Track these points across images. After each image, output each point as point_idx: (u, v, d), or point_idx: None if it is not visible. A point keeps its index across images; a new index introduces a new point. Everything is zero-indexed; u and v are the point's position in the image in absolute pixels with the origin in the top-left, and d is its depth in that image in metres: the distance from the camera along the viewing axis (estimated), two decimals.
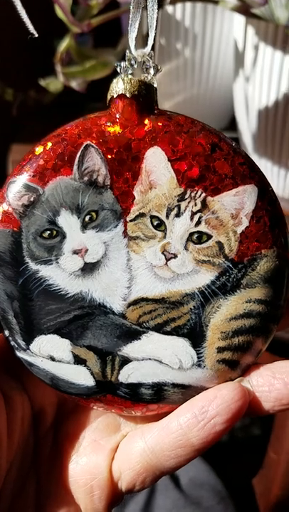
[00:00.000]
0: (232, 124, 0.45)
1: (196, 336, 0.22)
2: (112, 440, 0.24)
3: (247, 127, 0.37)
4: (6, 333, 0.23)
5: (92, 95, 0.38)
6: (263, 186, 0.22)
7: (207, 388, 0.22)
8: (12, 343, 0.23)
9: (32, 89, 0.45)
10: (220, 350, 0.22)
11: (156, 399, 0.22)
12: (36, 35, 0.22)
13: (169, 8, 0.34)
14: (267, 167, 0.38)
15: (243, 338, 0.22)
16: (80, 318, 0.22)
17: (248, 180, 0.21)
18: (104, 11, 0.32)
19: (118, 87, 0.22)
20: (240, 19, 0.33)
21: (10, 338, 0.23)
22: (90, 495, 0.23)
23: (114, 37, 0.38)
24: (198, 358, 0.22)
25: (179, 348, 0.22)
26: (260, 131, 0.36)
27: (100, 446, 0.24)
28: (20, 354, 0.23)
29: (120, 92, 0.22)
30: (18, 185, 0.23)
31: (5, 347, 0.24)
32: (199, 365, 0.22)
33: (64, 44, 0.34)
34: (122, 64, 0.23)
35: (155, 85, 0.23)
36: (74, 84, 0.36)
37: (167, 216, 0.21)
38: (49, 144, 0.22)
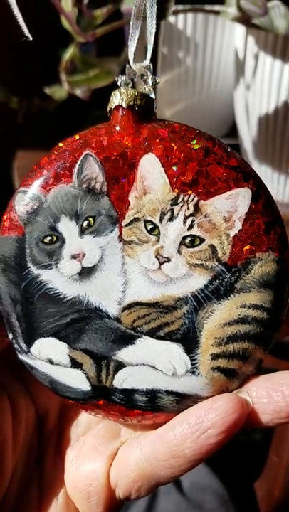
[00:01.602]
0: (232, 131, 0.45)
1: (189, 341, 0.21)
2: (111, 446, 0.24)
3: (247, 134, 0.37)
4: (10, 336, 0.24)
5: (95, 103, 0.39)
6: (257, 189, 0.21)
7: (202, 397, 0.21)
8: (15, 345, 0.24)
9: (36, 97, 0.47)
10: (214, 357, 0.21)
11: (151, 407, 0.22)
12: (31, 38, 0.24)
13: (171, 19, 0.35)
14: (267, 173, 0.37)
15: (239, 345, 0.21)
16: (77, 322, 0.23)
17: (241, 184, 0.21)
18: (107, 21, 0.33)
19: (116, 98, 0.23)
20: (240, 29, 0.33)
21: (13, 341, 0.24)
22: (87, 500, 0.23)
23: (118, 46, 0.40)
24: (192, 364, 0.21)
25: (172, 354, 0.21)
26: (260, 138, 0.35)
27: (99, 452, 0.24)
28: (22, 357, 0.24)
29: (117, 103, 0.23)
30: (23, 194, 0.24)
31: (11, 350, 0.25)
32: (193, 373, 0.21)
33: (68, 53, 0.36)
34: (122, 77, 0.24)
35: (152, 96, 0.23)
36: (78, 92, 0.37)
37: (161, 220, 0.22)
38: (53, 156, 0.24)
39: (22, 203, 0.24)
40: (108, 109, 0.24)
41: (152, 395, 0.22)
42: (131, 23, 0.23)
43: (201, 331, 0.21)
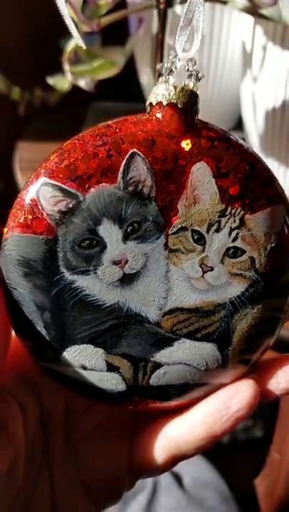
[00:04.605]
0: (239, 125, 0.45)
1: (223, 341, 0.24)
2: (128, 434, 0.25)
3: (254, 128, 0.38)
4: (31, 344, 0.22)
5: (97, 94, 0.36)
6: (287, 206, 0.24)
7: (225, 384, 0.24)
8: (37, 353, 0.22)
9: (38, 88, 0.41)
10: (241, 352, 0.24)
11: (181, 397, 0.24)
12: (84, 48, 0.20)
13: (177, 8, 0.32)
14: (273, 167, 0.39)
15: (261, 341, 0.24)
16: (116, 328, 0.22)
17: (278, 201, 0.23)
18: (111, 11, 0.30)
19: (168, 94, 0.21)
20: (248, 20, 0.33)
21: (35, 349, 0.22)
22: (110, 487, 0.25)
23: (122, 36, 0.36)
24: (222, 359, 0.24)
25: (207, 352, 0.24)
26: (267, 132, 0.37)
27: (119, 440, 0.25)
28: (45, 364, 0.22)
29: (172, 101, 0.21)
30: (53, 189, 0.21)
31: (20, 356, 0.23)
32: (223, 366, 0.24)
33: (72, 43, 0.31)
34: (166, 65, 0.22)
35: (198, 94, 0.22)
36: (82, 83, 0.33)
37: (208, 231, 0.22)
38: (88, 146, 0.21)
39: (52, 199, 0.21)
40: (154, 101, 0.22)
41: (184, 387, 0.24)
42: (184, 10, 0.21)
43: (234, 331, 0.24)
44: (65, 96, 0.39)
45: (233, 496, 0.50)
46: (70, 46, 0.31)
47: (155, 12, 0.30)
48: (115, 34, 0.34)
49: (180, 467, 0.50)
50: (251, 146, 0.43)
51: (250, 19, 0.33)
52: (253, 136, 0.40)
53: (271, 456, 0.52)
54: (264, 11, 0.27)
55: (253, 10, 0.27)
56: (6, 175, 0.43)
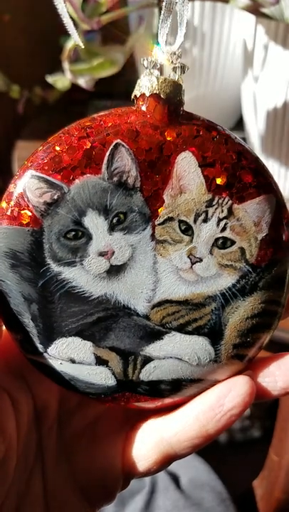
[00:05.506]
0: (239, 124, 0.45)
1: (215, 334, 0.23)
2: (121, 432, 0.25)
3: (255, 127, 0.38)
4: (19, 336, 0.22)
5: (97, 93, 0.37)
6: (279, 196, 0.23)
7: (219, 380, 0.24)
8: (25, 346, 0.22)
9: (38, 86, 0.42)
10: (235, 346, 0.23)
11: (174, 394, 0.24)
12: (83, 47, 0.21)
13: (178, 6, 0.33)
14: (274, 168, 0.39)
15: (256, 335, 0.24)
16: (104, 320, 0.22)
17: (268, 190, 0.23)
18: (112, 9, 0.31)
19: (151, 85, 0.21)
20: (249, 18, 0.33)
21: (23, 342, 0.22)
22: (103, 486, 0.24)
23: (122, 35, 0.37)
24: (215, 354, 0.23)
25: (198, 346, 0.23)
26: (268, 132, 0.36)
27: (112, 439, 0.25)
28: (34, 357, 0.22)
29: (155, 92, 0.21)
30: (39, 180, 0.21)
31: (11, 349, 0.23)
32: (216, 361, 0.23)
33: (72, 41, 0.32)
34: (149, 59, 0.22)
35: (183, 86, 0.22)
36: (81, 81, 0.34)
37: (195, 221, 0.22)
38: (73, 139, 0.21)
39: (38, 191, 0.21)
40: (138, 93, 0.22)
41: (177, 383, 0.23)
42: (164, 2, 0.21)
43: (226, 324, 0.23)
44: (65, 94, 0.40)
45: (230, 498, 0.48)
46: (69, 44, 0.32)
47: (156, 10, 0.30)
48: (115, 32, 0.35)
49: (177, 468, 0.49)
50: (251, 146, 0.43)
51: (251, 18, 0.33)
52: (254, 136, 0.39)
53: (270, 458, 0.50)
54: (266, 10, 0.27)
55: (254, 9, 0.27)
56: (5, 174, 0.44)
